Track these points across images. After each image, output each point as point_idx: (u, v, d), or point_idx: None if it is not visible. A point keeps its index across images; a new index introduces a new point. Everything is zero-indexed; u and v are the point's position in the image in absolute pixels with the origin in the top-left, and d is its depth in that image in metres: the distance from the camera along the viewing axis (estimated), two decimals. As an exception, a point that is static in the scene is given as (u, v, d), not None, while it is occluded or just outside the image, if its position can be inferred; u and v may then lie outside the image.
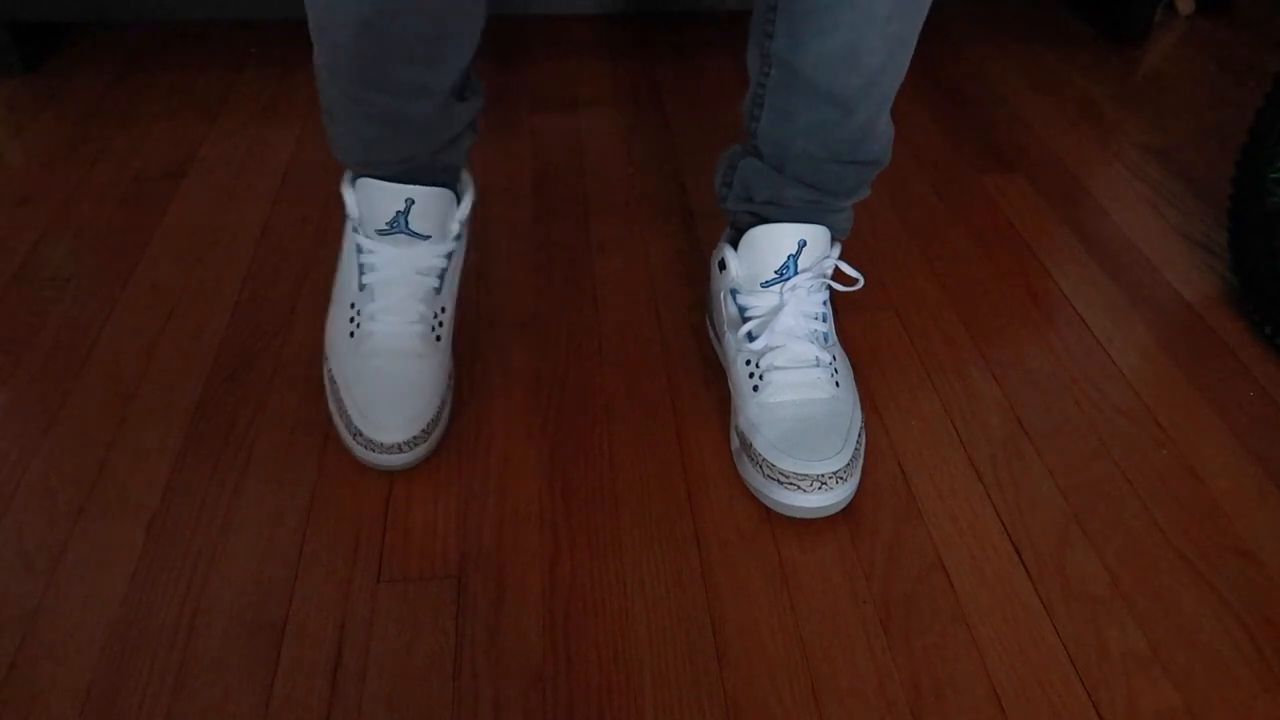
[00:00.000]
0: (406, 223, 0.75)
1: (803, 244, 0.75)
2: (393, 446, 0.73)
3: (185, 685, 0.62)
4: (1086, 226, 1.06)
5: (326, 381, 0.78)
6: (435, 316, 0.79)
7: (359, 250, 0.78)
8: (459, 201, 0.80)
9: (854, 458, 0.73)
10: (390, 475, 0.76)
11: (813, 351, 0.76)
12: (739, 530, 0.72)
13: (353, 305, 0.78)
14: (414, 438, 0.73)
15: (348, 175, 0.78)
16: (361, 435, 0.73)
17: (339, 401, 0.75)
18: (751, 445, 0.73)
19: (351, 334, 0.77)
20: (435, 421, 0.75)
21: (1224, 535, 0.73)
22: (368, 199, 0.75)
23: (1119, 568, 0.71)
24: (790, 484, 0.71)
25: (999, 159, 1.17)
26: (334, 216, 1.03)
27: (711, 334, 0.87)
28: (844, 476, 0.71)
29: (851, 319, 0.92)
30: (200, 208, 1.05)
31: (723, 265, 0.81)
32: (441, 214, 0.77)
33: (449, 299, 0.81)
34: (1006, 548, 0.72)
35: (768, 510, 0.74)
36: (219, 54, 1.35)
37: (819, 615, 0.67)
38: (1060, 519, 0.74)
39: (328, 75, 0.71)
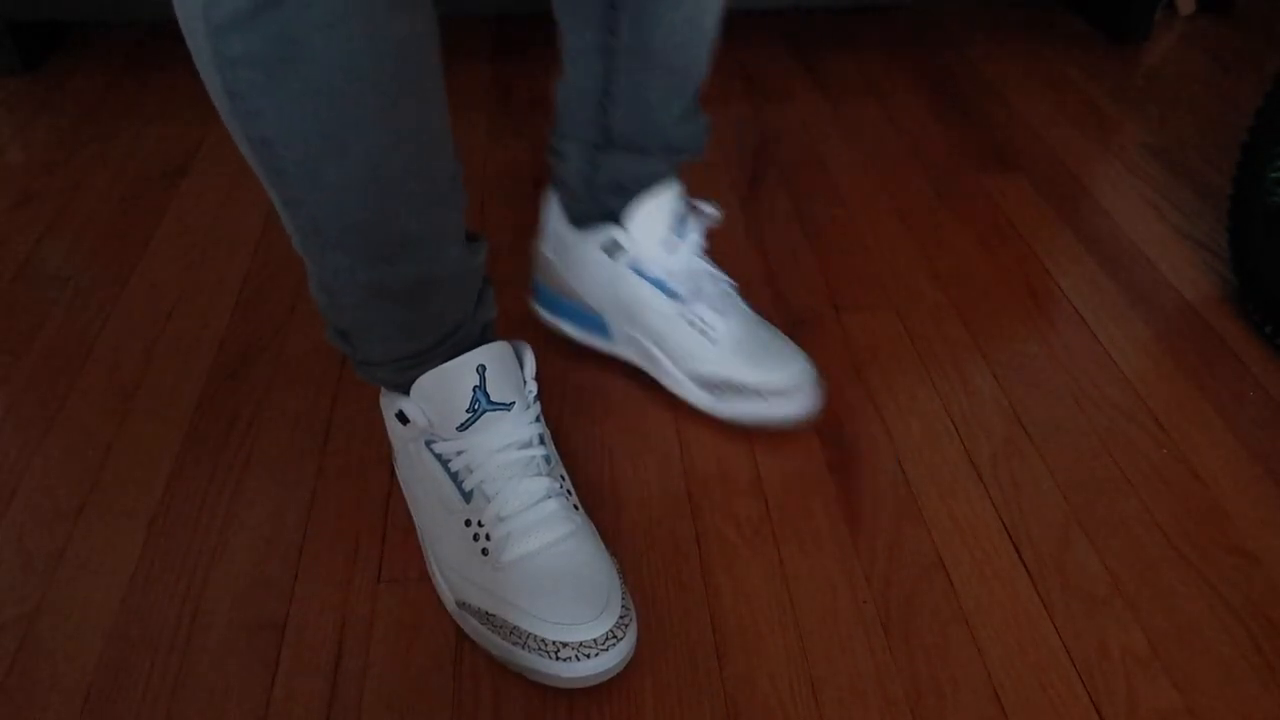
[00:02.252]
0: (487, 396, 0.65)
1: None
2: (603, 639, 0.61)
3: (185, 685, 0.62)
4: (1086, 226, 1.06)
5: (472, 629, 0.65)
6: (562, 485, 0.68)
7: (442, 461, 0.67)
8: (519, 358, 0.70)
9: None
10: (392, 477, 0.76)
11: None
12: (739, 530, 0.72)
13: (468, 523, 0.65)
14: (617, 623, 0.62)
15: (389, 399, 0.69)
16: (566, 645, 0.60)
17: (510, 632, 0.62)
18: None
19: (484, 552, 0.64)
20: (627, 609, 0.63)
21: (1224, 535, 0.73)
22: (436, 393, 0.65)
23: (1119, 568, 0.71)
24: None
25: (999, 159, 1.17)
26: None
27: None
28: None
29: (851, 319, 0.92)
30: (200, 208, 1.05)
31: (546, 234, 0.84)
32: (513, 373, 0.67)
33: (561, 469, 0.71)
34: (1006, 548, 0.72)
35: (768, 510, 0.74)
36: (219, 54, 1.35)
37: (819, 615, 0.67)
38: (1060, 519, 0.74)
39: (336, 274, 0.61)
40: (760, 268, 0.93)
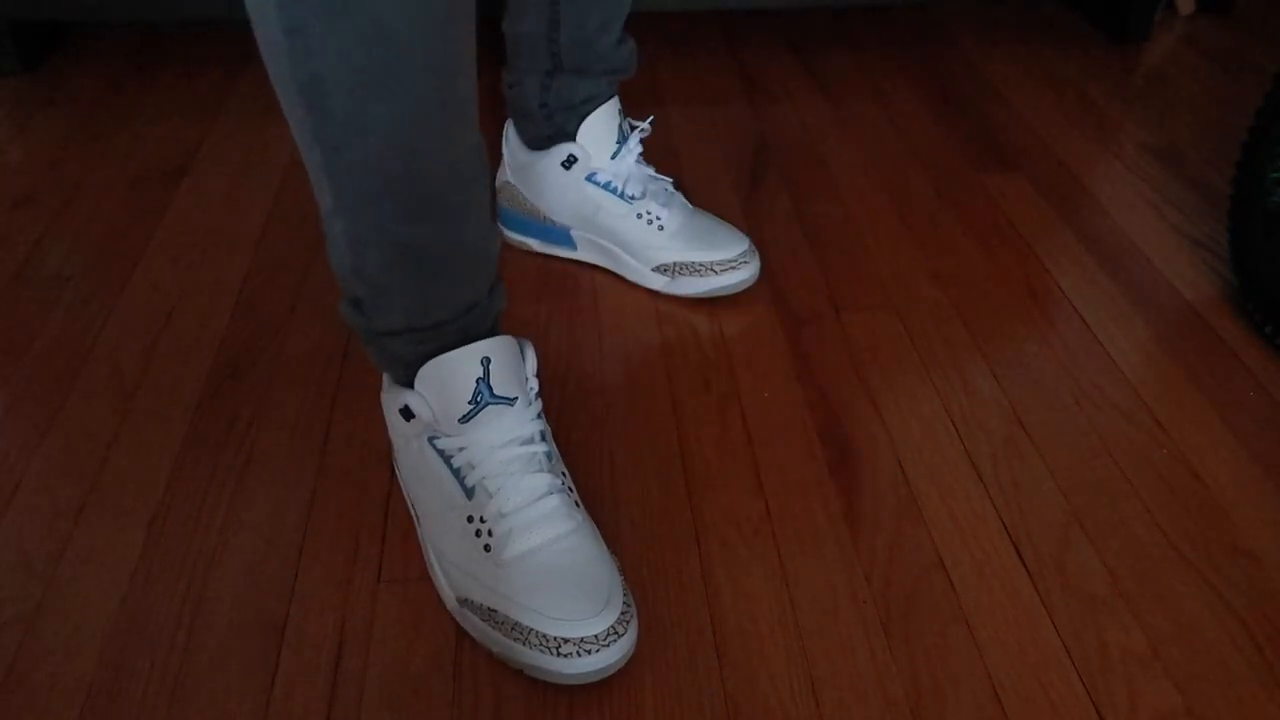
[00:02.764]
0: (490, 389, 0.65)
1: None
2: (604, 635, 0.61)
3: (185, 685, 0.62)
4: (1086, 226, 1.06)
5: (473, 626, 0.64)
6: (564, 482, 0.68)
7: (445, 457, 0.67)
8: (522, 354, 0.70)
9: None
10: (393, 476, 0.76)
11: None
12: (739, 530, 0.72)
13: (470, 519, 0.65)
14: (619, 619, 0.62)
15: (392, 395, 0.69)
16: (567, 642, 0.60)
17: (511, 628, 0.62)
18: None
19: (486, 548, 0.64)
20: (628, 605, 0.64)
21: (1224, 535, 0.73)
22: (440, 384, 0.65)
23: (1119, 568, 0.71)
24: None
25: (999, 159, 1.17)
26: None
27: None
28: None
29: (851, 319, 0.92)
30: (200, 208, 1.05)
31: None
32: (515, 367, 0.67)
33: (562, 465, 0.71)
34: (1006, 548, 0.72)
35: (768, 510, 0.74)
36: (219, 54, 1.35)
37: (819, 615, 0.67)
38: (1060, 519, 0.74)
39: (367, 231, 0.61)
40: (760, 267, 0.94)
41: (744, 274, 0.92)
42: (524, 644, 0.61)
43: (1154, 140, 1.21)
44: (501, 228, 0.99)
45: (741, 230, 0.94)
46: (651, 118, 0.96)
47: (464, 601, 0.65)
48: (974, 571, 0.70)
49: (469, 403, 0.65)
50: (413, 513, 0.72)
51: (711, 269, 0.91)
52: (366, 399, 0.82)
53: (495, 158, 0.95)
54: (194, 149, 1.15)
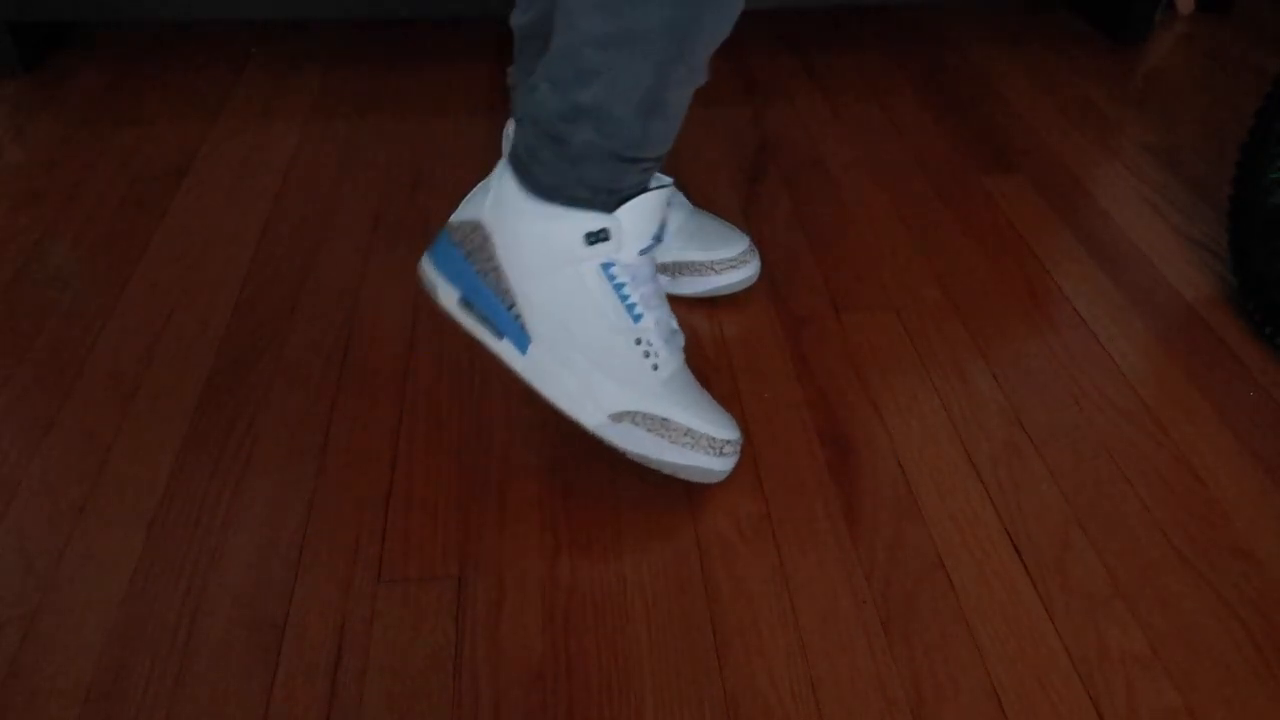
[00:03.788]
0: (663, 225, 0.72)
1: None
2: (739, 439, 0.74)
3: (185, 685, 0.62)
4: (1086, 226, 1.06)
5: (628, 436, 0.72)
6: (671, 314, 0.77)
7: (615, 284, 0.71)
8: None
9: None
10: (392, 472, 0.76)
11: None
12: (739, 530, 0.72)
13: (638, 341, 0.72)
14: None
15: (578, 218, 0.69)
16: (730, 443, 0.73)
17: (685, 433, 0.72)
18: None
19: (655, 367, 0.73)
20: None
21: (1224, 535, 0.73)
22: (644, 215, 0.70)
23: (1119, 568, 0.71)
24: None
25: (999, 159, 1.17)
26: (334, 216, 1.03)
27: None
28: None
29: (851, 319, 0.92)
30: (200, 208, 1.05)
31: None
32: None
33: None
34: (1006, 548, 0.72)
35: (768, 510, 0.74)
36: (219, 54, 1.35)
37: (819, 615, 0.67)
38: (1060, 519, 0.74)
39: (690, 74, 0.69)
40: (760, 267, 0.94)
41: (744, 273, 0.92)
42: (693, 446, 0.72)
43: (1154, 140, 1.21)
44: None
45: (741, 230, 0.94)
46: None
47: (623, 415, 0.72)
48: (974, 571, 0.70)
49: (653, 237, 0.71)
50: (547, 343, 0.72)
51: (711, 268, 0.91)
52: (366, 398, 0.82)
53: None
54: (194, 149, 1.15)
